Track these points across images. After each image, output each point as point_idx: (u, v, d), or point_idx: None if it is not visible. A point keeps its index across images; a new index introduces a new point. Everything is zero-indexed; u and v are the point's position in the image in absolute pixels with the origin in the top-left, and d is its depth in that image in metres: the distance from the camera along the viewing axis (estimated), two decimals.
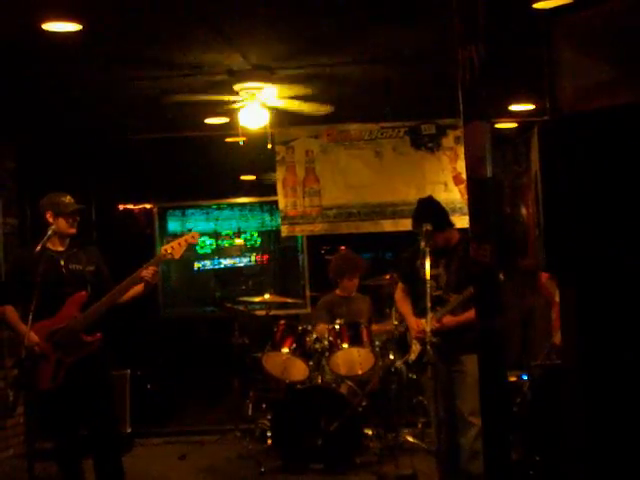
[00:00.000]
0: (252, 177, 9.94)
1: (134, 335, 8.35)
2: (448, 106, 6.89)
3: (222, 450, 7.14)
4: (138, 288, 5.07)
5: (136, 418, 7.39)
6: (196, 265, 9.82)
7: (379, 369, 6.63)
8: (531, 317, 7.51)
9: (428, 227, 5.08)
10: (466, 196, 3.04)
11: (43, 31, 5.15)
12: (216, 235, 9.79)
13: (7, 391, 6.55)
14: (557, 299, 5.80)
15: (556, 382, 5.04)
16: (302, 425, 6.32)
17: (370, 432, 6.59)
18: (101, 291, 5.04)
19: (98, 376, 5.09)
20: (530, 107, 7.64)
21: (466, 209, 8.79)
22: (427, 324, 4.94)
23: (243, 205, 9.82)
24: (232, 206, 9.83)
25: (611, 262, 2.66)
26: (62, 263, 5.08)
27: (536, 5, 4.85)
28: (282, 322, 6.89)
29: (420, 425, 6.98)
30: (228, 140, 8.10)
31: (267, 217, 9.75)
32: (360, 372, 6.59)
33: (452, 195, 8.00)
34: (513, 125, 8.22)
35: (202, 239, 9.71)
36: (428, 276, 4.90)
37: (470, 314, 5.01)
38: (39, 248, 4.78)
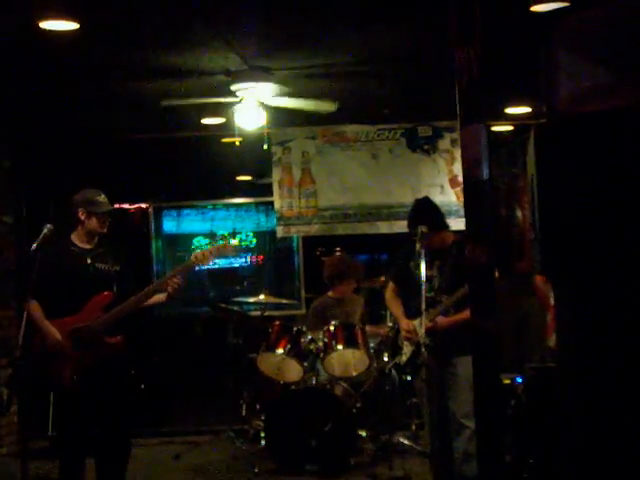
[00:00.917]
0: (248, 178, 9.94)
1: (128, 335, 8.33)
2: (445, 108, 6.89)
3: (216, 451, 7.12)
4: (160, 297, 5.00)
5: (130, 418, 7.36)
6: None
7: (373, 371, 6.63)
8: (525, 320, 7.52)
9: (423, 229, 5.07)
10: (462, 199, 3.05)
11: (41, 29, 5.15)
12: (211, 235, 9.78)
13: (1, 390, 6.56)
14: (552, 302, 5.82)
15: (550, 385, 5.05)
16: (296, 426, 6.31)
17: (364, 434, 6.59)
18: (125, 292, 4.97)
19: (116, 379, 5.02)
20: (526, 110, 7.65)
21: (462, 212, 8.79)
22: (422, 326, 4.95)
23: (239, 205, 9.81)
24: (228, 206, 9.82)
25: (607, 264, 2.67)
26: (89, 261, 5.00)
27: (534, 8, 4.85)
28: (277, 323, 6.88)
29: (414, 427, 6.98)
30: (224, 140, 8.10)
31: (263, 218, 9.74)
32: (354, 373, 6.59)
33: (448, 198, 8.00)
34: (509, 128, 8.23)
35: (197, 239, 9.71)
36: (424, 278, 4.89)
37: (463, 315, 5.02)
38: (35, 247, 4.73)
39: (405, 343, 5.36)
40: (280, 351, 6.63)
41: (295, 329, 6.75)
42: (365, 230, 8.25)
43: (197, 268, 5.14)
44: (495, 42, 4.08)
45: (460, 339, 4.94)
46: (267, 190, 8.52)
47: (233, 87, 6.58)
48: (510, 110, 7.61)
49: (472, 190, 2.91)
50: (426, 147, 8.14)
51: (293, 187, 8.21)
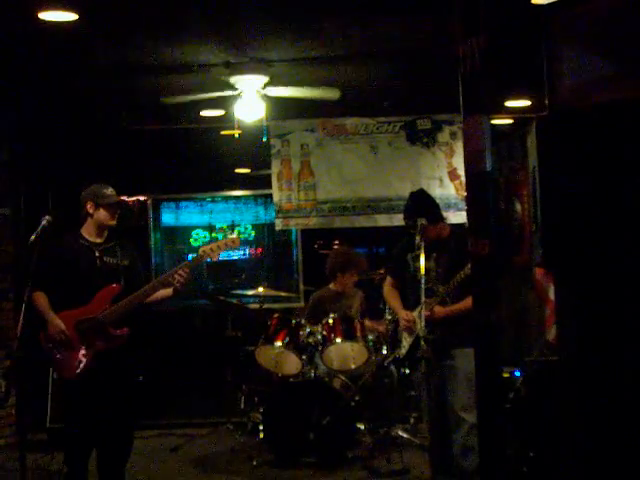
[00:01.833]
0: (247, 170, 9.92)
1: (134, 328, 8.32)
2: (444, 101, 6.90)
3: (214, 443, 7.13)
4: (167, 291, 5.03)
5: (134, 411, 7.36)
6: (189, 257, 9.78)
7: (372, 364, 6.63)
8: (524, 313, 7.52)
9: (423, 222, 5.06)
10: (461, 192, 3.04)
11: (40, 20, 5.13)
12: (210, 228, 9.77)
13: None
14: (551, 296, 5.82)
15: (550, 378, 5.05)
16: (294, 419, 6.32)
17: (362, 426, 6.58)
18: (133, 287, 5.00)
19: (121, 371, 5.03)
20: (526, 103, 7.64)
21: (461, 205, 8.80)
22: (421, 318, 4.93)
23: (238, 198, 9.79)
24: (227, 199, 9.80)
25: (608, 257, 2.66)
26: (97, 255, 5.04)
27: (535, 0, 4.83)
28: (275, 316, 6.87)
29: (412, 420, 6.99)
30: (223, 133, 8.08)
31: (261, 210, 9.73)
32: (353, 366, 6.59)
33: (447, 191, 7.99)
34: (509, 121, 8.22)
35: (196, 231, 9.70)
36: (423, 271, 4.88)
37: (460, 306, 5.02)
38: (33, 238, 4.72)
39: (404, 335, 5.36)
40: (279, 344, 6.63)
41: (294, 322, 6.75)
42: (364, 223, 8.24)
43: (205, 260, 5.16)
44: (496, 34, 4.07)
45: (458, 330, 4.94)
46: (266, 183, 8.50)
47: (232, 79, 6.57)
48: (510, 103, 7.59)
49: (475, 182, 2.89)
50: (425, 140, 8.12)
51: (292, 180, 8.19)
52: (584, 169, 2.68)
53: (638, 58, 2.87)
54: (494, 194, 2.94)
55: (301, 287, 9.36)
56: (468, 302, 4.07)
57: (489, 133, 2.86)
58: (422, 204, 5.32)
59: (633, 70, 2.87)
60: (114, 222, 5.12)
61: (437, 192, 7.75)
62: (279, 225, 8.32)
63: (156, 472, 6.41)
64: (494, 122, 8.10)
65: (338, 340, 6.57)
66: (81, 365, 4.86)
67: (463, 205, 7.65)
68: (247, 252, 9.81)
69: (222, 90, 6.76)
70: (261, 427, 6.59)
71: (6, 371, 6.67)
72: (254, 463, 6.31)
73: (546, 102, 3.03)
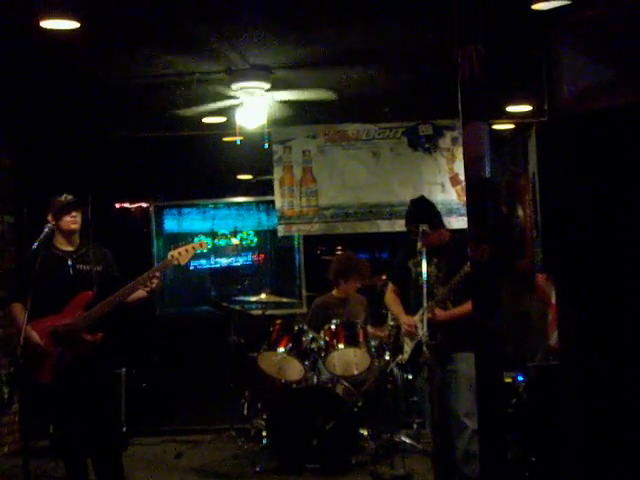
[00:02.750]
0: (249, 176, 9.93)
1: (129, 334, 8.33)
2: (445, 107, 6.90)
3: (217, 449, 7.13)
4: (141, 292, 5.07)
5: (131, 417, 7.38)
6: (192, 264, 9.80)
7: (375, 369, 6.63)
8: (527, 318, 7.52)
9: (425, 228, 5.09)
10: (463, 197, 3.05)
11: (42, 29, 5.16)
12: (212, 234, 9.78)
13: (2, 388, 6.56)
14: (553, 300, 5.82)
15: (552, 383, 5.04)
16: (297, 425, 6.31)
17: (365, 432, 6.58)
18: (108, 292, 5.03)
19: (97, 375, 5.08)
20: (527, 108, 7.64)
21: (463, 210, 8.80)
22: (422, 324, 4.94)
23: (240, 204, 9.81)
24: (229, 205, 9.82)
25: (609, 262, 2.66)
26: (70, 263, 5.09)
27: (535, 6, 4.85)
28: (278, 322, 6.88)
29: (415, 426, 6.97)
30: (225, 139, 8.09)
31: (264, 217, 9.74)
32: (356, 372, 6.58)
33: (449, 196, 8.00)
34: (510, 126, 8.22)
35: (198, 238, 9.70)
36: (424, 277, 4.90)
37: (461, 309, 5.03)
38: (36, 246, 4.77)
39: (406, 341, 5.37)
40: (281, 350, 6.63)
41: (296, 328, 6.75)
42: (366, 229, 8.24)
43: (174, 264, 5.17)
44: (496, 40, 4.08)
45: (459, 334, 4.95)
46: (268, 189, 8.52)
47: (234, 86, 6.58)
48: (511, 108, 7.60)
49: (474, 188, 2.90)
50: (427, 145, 8.13)
51: (294, 186, 8.20)
52: (584, 174, 2.69)
53: (637, 65, 2.88)
54: (494, 200, 2.95)
55: (304, 293, 9.37)
56: (469, 306, 4.08)
57: (488, 140, 2.87)
58: (423, 210, 5.35)
59: (632, 76, 2.89)
60: (76, 226, 5.14)
61: (439, 197, 7.76)
62: (281, 231, 8.33)
63: (160, 479, 6.41)
64: (496, 127, 8.11)
65: (341, 346, 6.57)
66: (57, 370, 4.90)
67: (465, 210, 7.65)
68: (249, 258, 9.82)
69: (223, 99, 6.77)
70: (264, 433, 6.59)
71: (9, 378, 6.68)
72: (257, 469, 6.31)
73: (546, 107, 3.04)
